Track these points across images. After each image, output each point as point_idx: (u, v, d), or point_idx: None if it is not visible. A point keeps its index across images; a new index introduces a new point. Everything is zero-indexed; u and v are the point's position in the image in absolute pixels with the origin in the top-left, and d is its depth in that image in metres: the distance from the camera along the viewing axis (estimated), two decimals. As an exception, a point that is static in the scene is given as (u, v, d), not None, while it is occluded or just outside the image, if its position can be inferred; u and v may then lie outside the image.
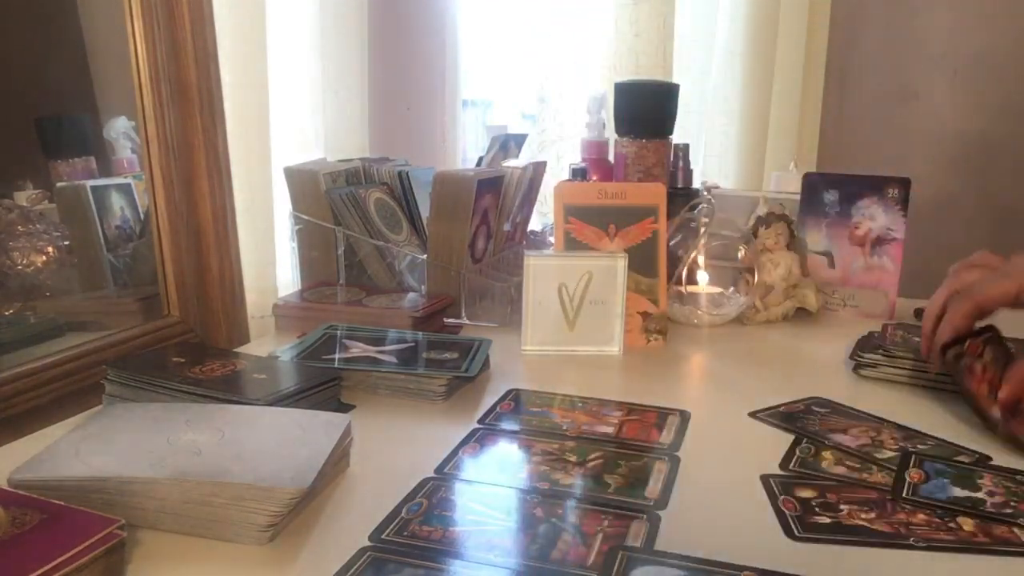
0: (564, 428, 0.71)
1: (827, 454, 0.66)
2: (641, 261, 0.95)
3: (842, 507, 0.57)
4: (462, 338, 0.93)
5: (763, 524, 0.55)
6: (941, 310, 0.72)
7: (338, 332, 0.90)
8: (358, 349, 0.85)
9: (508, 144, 1.30)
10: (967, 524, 0.55)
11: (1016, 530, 0.54)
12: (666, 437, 0.69)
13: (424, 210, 1.08)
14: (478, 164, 1.29)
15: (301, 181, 1.07)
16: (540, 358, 0.91)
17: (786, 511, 0.56)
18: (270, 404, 0.67)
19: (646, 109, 1.14)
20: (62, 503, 0.49)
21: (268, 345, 0.91)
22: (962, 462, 0.64)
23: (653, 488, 0.59)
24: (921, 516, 0.56)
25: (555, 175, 1.45)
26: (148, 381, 0.70)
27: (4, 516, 0.46)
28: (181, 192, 0.89)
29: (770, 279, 1.06)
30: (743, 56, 1.94)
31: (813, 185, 1.13)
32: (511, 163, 1.23)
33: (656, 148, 1.13)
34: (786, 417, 0.73)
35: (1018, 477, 0.61)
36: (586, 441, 0.68)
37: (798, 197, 1.14)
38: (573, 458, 0.64)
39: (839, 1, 2.24)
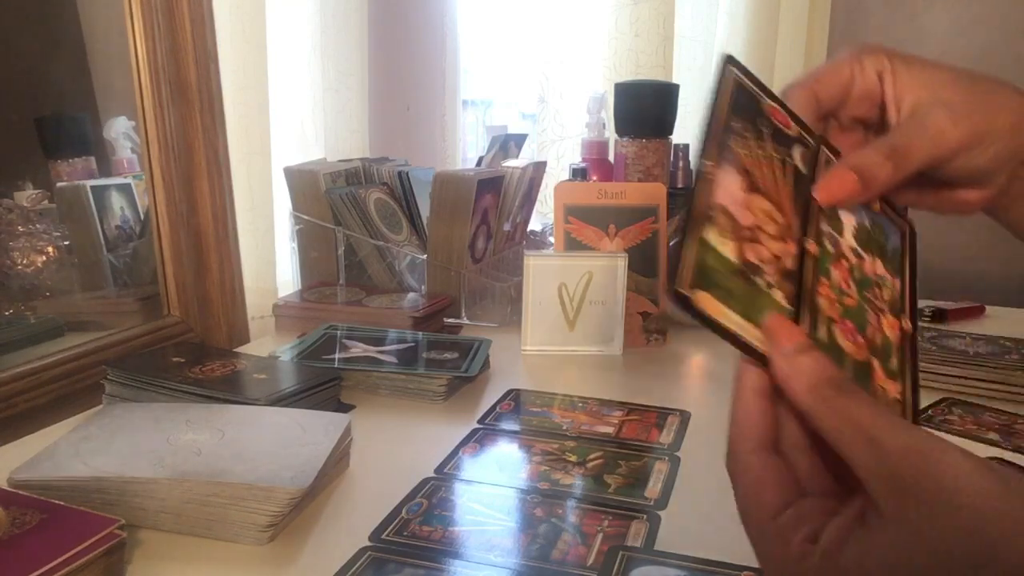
0: (564, 428, 0.71)
1: None
2: (641, 261, 0.95)
3: (842, 507, 0.57)
4: (462, 338, 0.93)
5: (763, 524, 0.55)
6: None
7: (338, 332, 0.90)
8: (358, 349, 0.85)
9: (508, 144, 1.30)
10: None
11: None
12: (666, 437, 0.69)
13: (424, 210, 1.08)
14: (478, 164, 1.29)
15: (301, 181, 1.07)
16: (540, 358, 0.91)
17: (786, 511, 0.56)
18: (270, 404, 0.67)
19: (646, 109, 1.14)
20: (62, 503, 0.49)
21: (268, 345, 0.91)
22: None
23: (653, 488, 0.59)
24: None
25: (555, 175, 1.45)
26: (148, 381, 0.70)
27: (4, 516, 0.46)
28: (181, 192, 0.89)
29: (770, 279, 1.06)
30: (743, 56, 1.93)
31: (813, 185, 1.12)
32: (511, 163, 1.23)
33: (656, 148, 1.13)
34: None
35: None
36: (586, 441, 0.68)
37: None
38: (573, 458, 0.64)
39: (839, 2, 2.25)
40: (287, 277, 1.12)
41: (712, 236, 0.32)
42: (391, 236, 1.07)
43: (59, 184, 0.88)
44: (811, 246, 0.35)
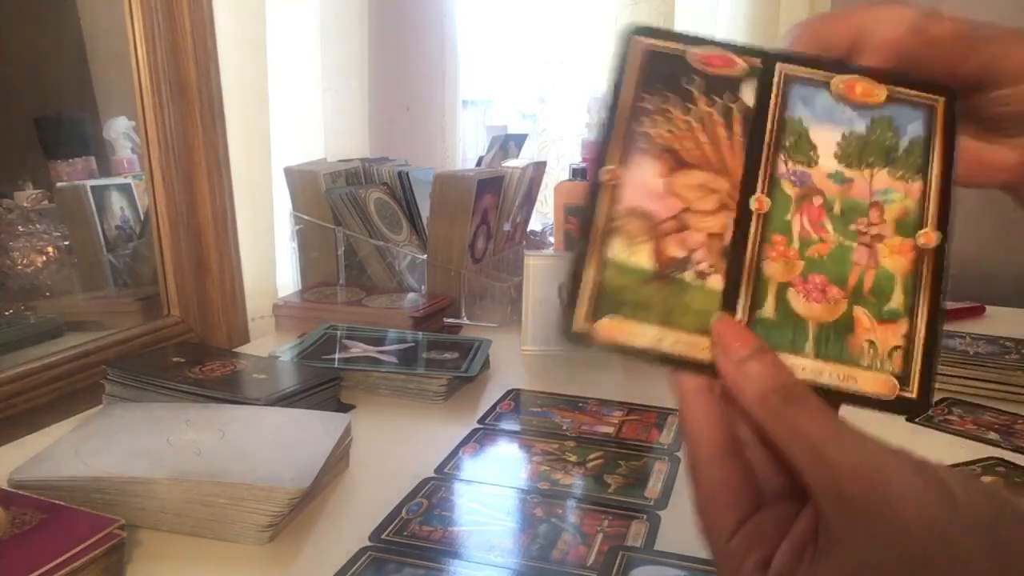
0: (564, 428, 0.71)
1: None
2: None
3: (842, 507, 0.57)
4: (462, 338, 0.93)
5: (763, 524, 0.55)
6: None
7: (338, 332, 0.90)
8: (358, 349, 0.85)
9: (508, 144, 1.30)
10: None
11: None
12: (666, 437, 0.69)
13: (424, 210, 1.08)
14: (478, 164, 1.29)
15: (301, 181, 1.07)
16: (540, 358, 0.91)
17: (786, 511, 0.56)
18: (270, 404, 0.67)
19: (646, 109, 1.13)
20: (62, 503, 0.49)
21: (268, 345, 0.91)
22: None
23: (653, 488, 0.59)
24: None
25: (555, 175, 1.45)
26: (148, 381, 0.70)
27: (4, 516, 0.46)
28: (181, 192, 0.89)
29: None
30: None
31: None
32: (511, 163, 1.23)
33: (656, 148, 1.13)
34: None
35: None
36: (586, 441, 0.68)
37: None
38: (573, 458, 0.64)
39: (839, 3, 2.25)
40: (287, 277, 1.12)
41: (617, 249, 0.30)
42: (391, 236, 1.07)
43: (59, 184, 0.88)
44: (759, 203, 0.31)
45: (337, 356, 0.83)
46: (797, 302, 0.31)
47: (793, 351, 0.31)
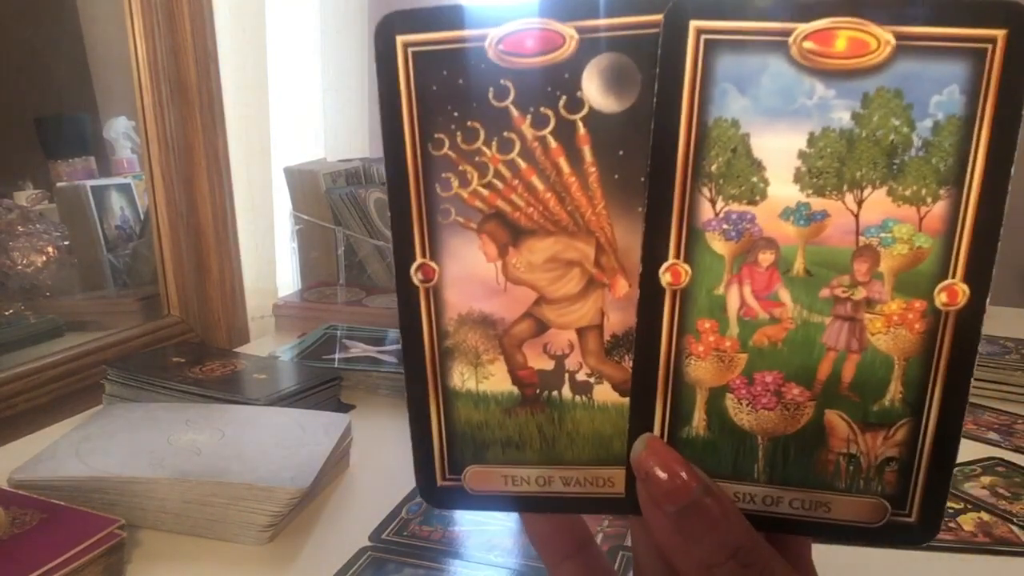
0: (564, 428, 0.70)
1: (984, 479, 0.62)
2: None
3: (842, 507, 0.57)
4: (462, 338, 0.93)
5: (763, 524, 0.55)
6: None
7: (338, 332, 0.90)
8: (358, 349, 0.85)
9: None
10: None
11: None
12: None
13: (424, 210, 1.08)
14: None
15: (301, 181, 1.07)
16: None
17: (786, 511, 0.56)
18: (270, 404, 0.67)
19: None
20: (62, 503, 0.49)
21: (268, 345, 0.91)
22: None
23: (653, 488, 0.59)
24: (921, 516, 0.55)
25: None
26: (148, 381, 0.70)
27: (4, 516, 0.46)
28: (181, 192, 0.89)
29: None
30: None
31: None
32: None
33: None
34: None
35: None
36: (586, 441, 0.68)
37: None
38: (573, 458, 0.64)
39: None
40: (287, 277, 1.12)
41: (459, 376, 0.23)
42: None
43: (59, 184, 0.88)
44: (672, 274, 0.21)
45: (337, 356, 0.83)
46: (740, 412, 0.22)
47: (736, 478, 0.22)
